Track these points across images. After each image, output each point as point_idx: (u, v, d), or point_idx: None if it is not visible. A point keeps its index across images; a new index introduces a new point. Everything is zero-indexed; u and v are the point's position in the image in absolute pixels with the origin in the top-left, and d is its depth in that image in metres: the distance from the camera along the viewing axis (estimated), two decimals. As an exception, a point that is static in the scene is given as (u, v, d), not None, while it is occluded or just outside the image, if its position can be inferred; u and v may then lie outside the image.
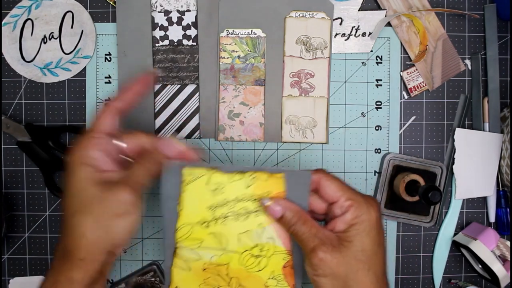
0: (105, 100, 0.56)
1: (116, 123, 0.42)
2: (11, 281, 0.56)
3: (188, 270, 0.45)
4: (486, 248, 0.53)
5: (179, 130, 0.56)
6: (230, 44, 0.55)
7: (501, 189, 0.57)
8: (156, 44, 0.55)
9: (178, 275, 0.45)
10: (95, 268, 0.39)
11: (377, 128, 0.57)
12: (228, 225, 0.43)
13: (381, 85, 0.57)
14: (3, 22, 0.55)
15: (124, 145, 0.42)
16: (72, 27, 0.55)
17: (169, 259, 0.45)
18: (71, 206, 0.40)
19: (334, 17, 0.56)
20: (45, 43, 0.55)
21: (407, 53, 0.56)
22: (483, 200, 0.58)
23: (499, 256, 0.54)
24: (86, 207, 0.39)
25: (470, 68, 0.57)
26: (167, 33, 0.55)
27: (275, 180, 0.42)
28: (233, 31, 0.55)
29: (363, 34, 0.56)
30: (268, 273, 0.44)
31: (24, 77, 0.56)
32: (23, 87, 0.56)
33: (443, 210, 0.57)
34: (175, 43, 0.56)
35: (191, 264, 0.44)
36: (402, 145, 0.57)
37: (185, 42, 0.56)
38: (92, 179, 0.39)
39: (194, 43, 0.56)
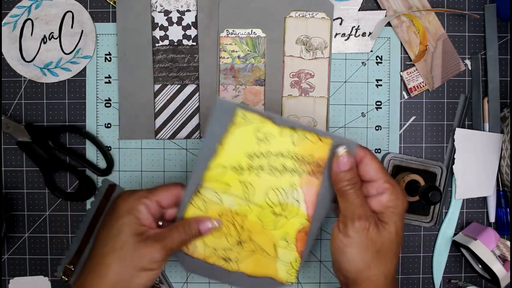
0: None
1: (172, 202, 0.46)
2: (11, 281, 0.56)
3: (204, 211, 0.45)
4: (486, 248, 0.53)
5: (179, 130, 0.56)
6: (230, 44, 0.55)
7: (501, 189, 0.57)
8: (156, 44, 0.55)
9: (192, 214, 0.46)
10: None
11: (377, 128, 0.57)
12: (261, 177, 0.44)
13: (381, 85, 0.57)
14: (3, 22, 0.55)
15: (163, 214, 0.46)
16: (72, 27, 0.55)
17: (189, 195, 0.45)
18: (104, 246, 0.42)
19: (334, 17, 0.56)
20: (45, 43, 0.55)
21: (407, 53, 0.57)
22: (483, 200, 0.58)
23: (499, 256, 0.54)
24: (119, 251, 0.42)
25: (470, 68, 0.57)
26: (167, 33, 0.55)
27: (322, 145, 0.43)
28: (233, 31, 0.55)
29: (363, 34, 0.56)
30: (282, 234, 0.45)
31: (24, 77, 0.56)
32: (23, 87, 0.56)
33: (443, 210, 0.57)
34: (175, 43, 0.56)
35: (209, 206, 0.45)
36: (402, 145, 0.57)
37: (185, 42, 0.56)
38: (133, 228, 0.42)
39: (194, 43, 0.56)
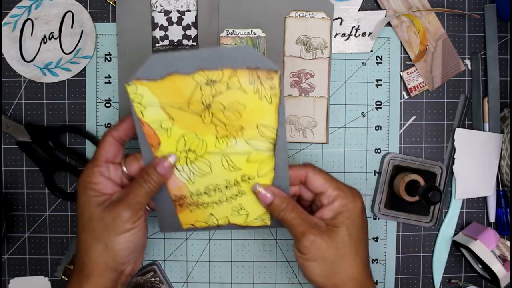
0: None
1: (116, 149, 0.44)
2: (11, 281, 0.56)
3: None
4: (486, 248, 0.53)
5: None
6: (230, 44, 0.55)
7: (501, 189, 0.57)
8: (156, 44, 0.55)
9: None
10: (102, 284, 0.42)
11: (377, 128, 0.57)
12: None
13: (381, 85, 0.57)
14: (3, 22, 0.55)
15: (124, 170, 0.44)
16: (72, 27, 0.55)
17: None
18: (78, 226, 0.43)
19: (334, 17, 0.56)
20: (45, 43, 0.55)
21: (407, 53, 0.57)
22: (483, 200, 0.58)
23: (499, 256, 0.54)
24: (88, 226, 0.42)
25: (470, 68, 0.57)
26: (167, 33, 0.55)
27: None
28: (233, 31, 0.55)
29: (363, 34, 0.56)
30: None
31: (24, 77, 0.56)
32: (23, 87, 0.56)
33: (443, 210, 0.57)
34: (175, 43, 0.56)
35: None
36: (402, 145, 0.57)
37: (185, 42, 0.56)
38: (94, 201, 0.42)
39: (194, 43, 0.56)
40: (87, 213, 0.42)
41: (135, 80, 0.42)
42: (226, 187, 0.47)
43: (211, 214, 0.48)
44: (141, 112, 0.43)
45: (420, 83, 0.57)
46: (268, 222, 0.48)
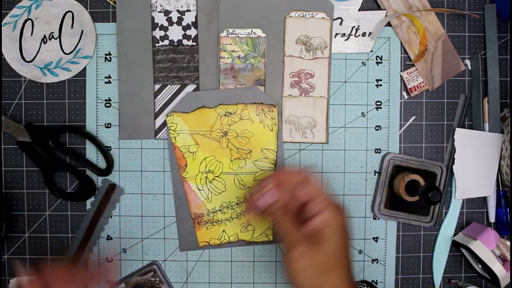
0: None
1: None
2: (11, 281, 0.56)
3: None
4: (486, 248, 0.53)
5: (179, 130, 0.56)
6: (230, 44, 0.55)
7: (501, 189, 0.57)
8: (156, 44, 0.55)
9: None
10: None
11: (377, 128, 0.57)
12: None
13: (381, 85, 0.57)
14: (3, 22, 0.55)
15: None
16: (72, 27, 0.55)
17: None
18: None
19: (334, 17, 0.56)
20: (45, 43, 0.55)
21: (407, 53, 0.57)
22: (483, 200, 0.58)
23: (499, 256, 0.54)
24: None
25: (470, 68, 0.57)
26: (167, 33, 0.55)
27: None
28: (233, 31, 0.55)
29: (363, 34, 0.56)
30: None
31: (24, 77, 0.56)
32: (23, 87, 0.56)
33: (443, 210, 0.57)
34: (175, 43, 0.56)
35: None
36: (402, 145, 0.57)
37: (185, 42, 0.56)
38: None
39: (194, 43, 0.56)
40: None
41: (173, 112, 0.55)
42: (237, 204, 0.56)
43: (224, 231, 0.56)
44: (174, 138, 0.55)
45: (420, 83, 0.57)
46: (271, 238, 0.56)
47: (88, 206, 0.56)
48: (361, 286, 0.56)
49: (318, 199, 0.44)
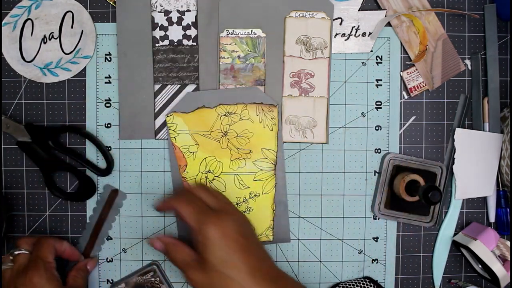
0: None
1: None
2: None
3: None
4: (486, 248, 0.53)
5: (179, 130, 0.56)
6: (230, 44, 0.55)
7: (501, 189, 0.57)
8: (156, 44, 0.55)
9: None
10: None
11: (377, 128, 0.57)
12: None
13: (381, 85, 0.57)
14: (3, 22, 0.55)
15: None
16: (72, 27, 0.55)
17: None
18: None
19: (334, 17, 0.56)
20: (45, 43, 0.55)
21: (407, 53, 0.57)
22: (483, 200, 0.58)
23: (499, 256, 0.54)
24: None
25: (470, 68, 0.57)
26: (167, 33, 0.55)
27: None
28: (233, 31, 0.55)
29: (363, 34, 0.56)
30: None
31: (24, 77, 0.56)
32: (23, 87, 0.56)
33: (443, 210, 0.57)
34: (175, 43, 0.56)
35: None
36: (402, 145, 0.57)
37: (185, 42, 0.56)
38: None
39: (194, 43, 0.56)
40: None
41: (173, 112, 0.54)
42: (237, 204, 0.56)
43: None
44: (174, 138, 0.54)
45: (420, 83, 0.57)
46: (271, 238, 0.56)
47: (88, 206, 0.56)
48: (364, 282, 0.56)
49: (191, 223, 0.46)
